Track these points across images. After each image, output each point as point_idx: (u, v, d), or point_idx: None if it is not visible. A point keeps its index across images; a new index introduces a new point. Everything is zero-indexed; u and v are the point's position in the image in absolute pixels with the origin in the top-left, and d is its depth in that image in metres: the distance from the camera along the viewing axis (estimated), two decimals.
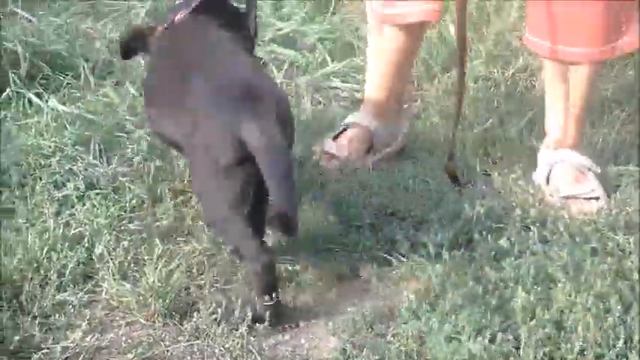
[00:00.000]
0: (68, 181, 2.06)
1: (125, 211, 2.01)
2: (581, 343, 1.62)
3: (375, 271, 1.87)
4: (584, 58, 1.98)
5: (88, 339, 1.70)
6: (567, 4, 1.94)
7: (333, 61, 2.65)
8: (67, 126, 2.25)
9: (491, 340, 1.64)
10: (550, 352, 1.63)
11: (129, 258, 1.87)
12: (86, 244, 1.88)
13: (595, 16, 1.94)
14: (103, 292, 1.81)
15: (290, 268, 1.87)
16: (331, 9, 2.88)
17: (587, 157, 2.12)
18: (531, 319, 1.68)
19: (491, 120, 2.33)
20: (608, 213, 2.00)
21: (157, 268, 1.81)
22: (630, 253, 1.84)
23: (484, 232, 1.90)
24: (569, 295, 1.73)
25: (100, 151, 2.19)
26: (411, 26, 2.13)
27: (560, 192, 2.05)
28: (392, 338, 1.71)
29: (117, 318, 1.77)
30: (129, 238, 1.92)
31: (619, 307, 1.68)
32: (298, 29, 2.77)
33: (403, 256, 1.89)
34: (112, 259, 1.86)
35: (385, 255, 1.90)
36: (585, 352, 1.62)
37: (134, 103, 2.37)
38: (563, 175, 2.08)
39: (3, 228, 1.94)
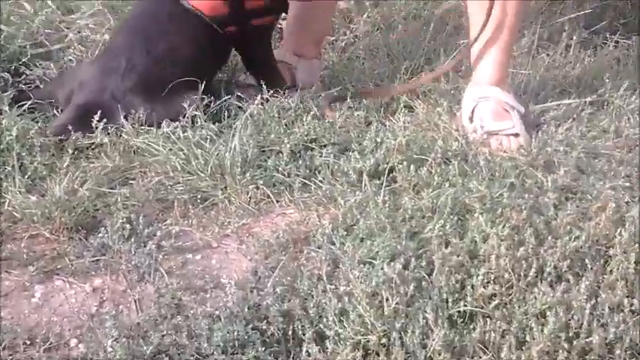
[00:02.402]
0: None
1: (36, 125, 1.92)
2: (492, 271, 1.62)
3: (293, 196, 1.84)
4: None
5: None
6: None
7: None
8: None
9: (405, 266, 1.63)
10: (462, 280, 1.62)
11: (36, 170, 1.79)
12: None
13: None
14: (6, 204, 1.72)
15: (205, 188, 1.82)
16: None
17: (512, 96, 2.11)
18: (446, 247, 1.67)
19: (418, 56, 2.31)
20: (528, 151, 2.00)
21: (63, 181, 1.74)
22: (547, 190, 1.85)
23: (405, 163, 1.88)
24: (485, 226, 1.72)
25: (11, 67, 2.09)
26: None
27: (482, 128, 2.04)
28: (305, 262, 1.68)
29: (19, 230, 1.70)
30: (38, 151, 1.83)
31: (533, 239, 1.68)
32: None
33: (322, 183, 1.86)
34: (19, 170, 1.77)
35: (304, 181, 1.86)
36: (495, 280, 1.62)
37: (51, 17, 2.26)
38: (486, 111, 2.07)
39: None
